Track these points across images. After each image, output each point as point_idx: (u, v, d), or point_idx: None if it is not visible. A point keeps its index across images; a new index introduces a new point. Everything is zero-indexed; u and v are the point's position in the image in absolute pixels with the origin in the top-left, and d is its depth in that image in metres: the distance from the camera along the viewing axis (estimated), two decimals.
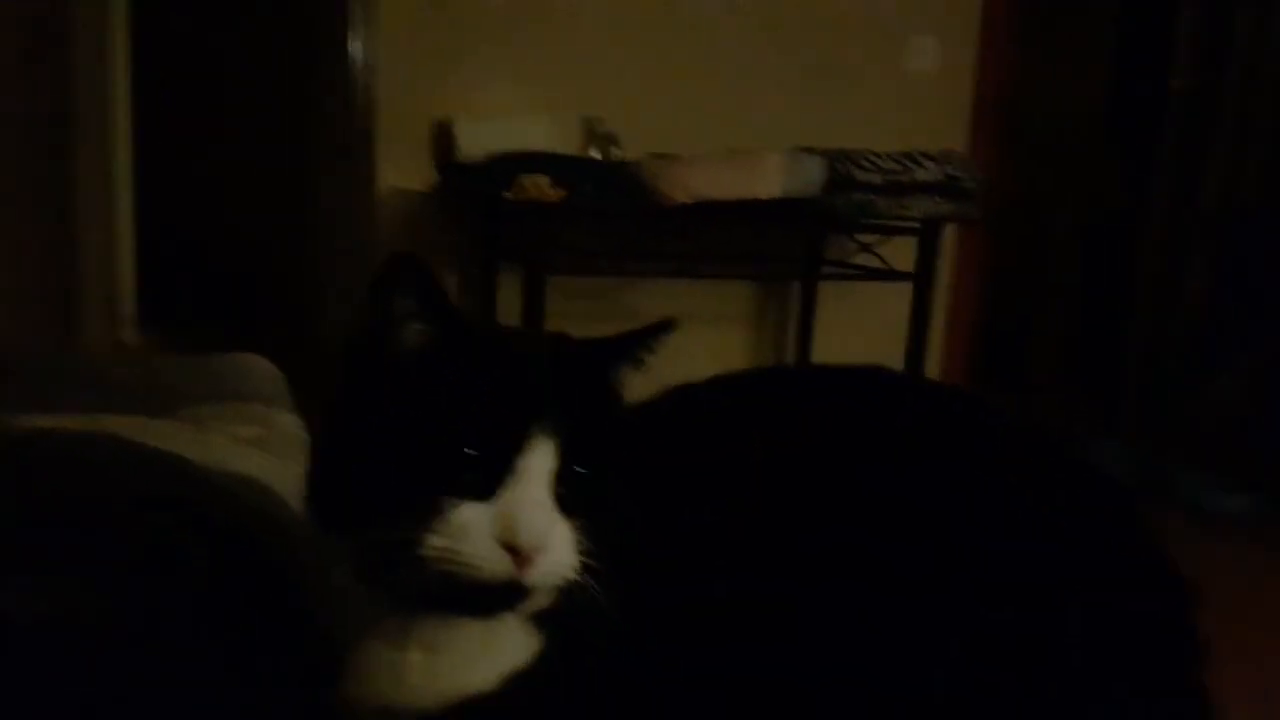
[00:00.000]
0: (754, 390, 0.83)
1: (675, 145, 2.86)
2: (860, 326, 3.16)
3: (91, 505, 0.77)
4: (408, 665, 0.68)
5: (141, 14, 2.83)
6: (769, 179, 2.67)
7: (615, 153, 2.86)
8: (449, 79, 2.87)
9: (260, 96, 3.97)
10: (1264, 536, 2.49)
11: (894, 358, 2.85)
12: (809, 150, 2.79)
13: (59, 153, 2.52)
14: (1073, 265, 4.01)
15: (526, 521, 0.62)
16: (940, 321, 3.36)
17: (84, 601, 0.68)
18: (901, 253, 2.96)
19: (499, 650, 0.68)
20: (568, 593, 0.65)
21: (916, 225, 2.88)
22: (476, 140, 2.71)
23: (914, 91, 3.29)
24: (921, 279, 2.91)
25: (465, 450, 0.62)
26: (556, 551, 0.64)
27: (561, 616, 0.66)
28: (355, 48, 2.86)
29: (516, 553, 0.62)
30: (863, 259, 3.08)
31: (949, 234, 3.14)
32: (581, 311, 2.80)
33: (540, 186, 2.45)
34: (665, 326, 0.71)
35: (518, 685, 0.67)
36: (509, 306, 2.73)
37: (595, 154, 2.86)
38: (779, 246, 3.23)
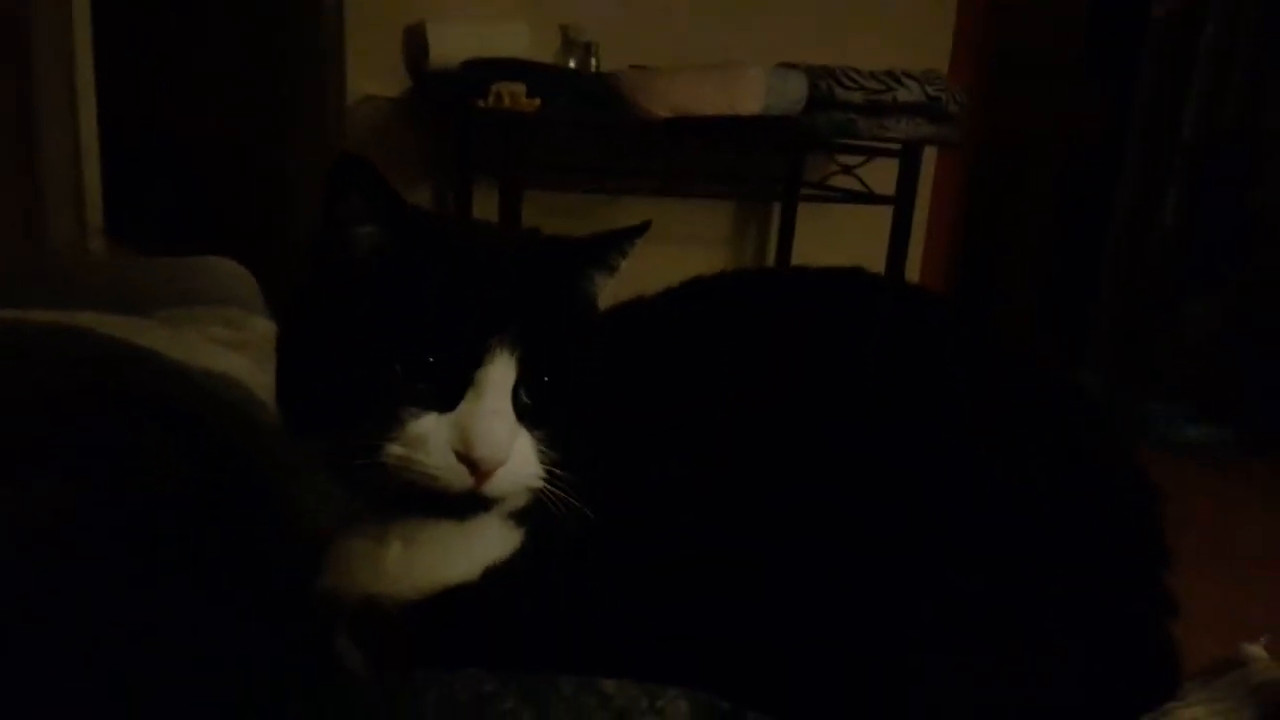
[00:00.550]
0: (731, 300, 0.81)
1: (654, 58, 2.80)
2: (839, 249, 3.14)
3: (59, 399, 0.76)
4: (386, 558, 0.68)
5: None
6: (750, 94, 2.63)
7: (593, 63, 2.80)
8: None
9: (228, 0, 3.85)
10: (1233, 468, 2.53)
11: None
12: (791, 66, 2.75)
13: (19, 59, 2.43)
14: (1050, 192, 4.00)
15: (483, 434, 0.61)
16: (919, 247, 3.36)
17: (52, 496, 0.67)
18: (881, 175, 2.94)
19: (478, 544, 0.68)
20: (541, 496, 0.65)
21: (897, 147, 2.86)
22: (449, 45, 2.63)
23: (897, 7, 3.24)
24: (901, 202, 2.90)
25: (422, 360, 0.61)
26: (517, 463, 0.63)
27: (542, 512, 0.66)
28: None
29: (474, 465, 0.61)
30: (843, 181, 3.06)
31: (928, 157, 3.12)
32: (558, 228, 2.73)
33: (516, 95, 2.40)
34: (639, 230, 0.69)
35: (496, 578, 0.68)
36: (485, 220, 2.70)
37: (572, 64, 2.80)
38: (759, 167, 3.19)
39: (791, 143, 2.99)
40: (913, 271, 3.30)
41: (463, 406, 0.62)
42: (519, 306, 0.63)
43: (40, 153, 2.58)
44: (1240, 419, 2.76)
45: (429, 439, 0.61)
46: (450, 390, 0.62)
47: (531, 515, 0.67)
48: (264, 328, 1.24)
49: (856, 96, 2.74)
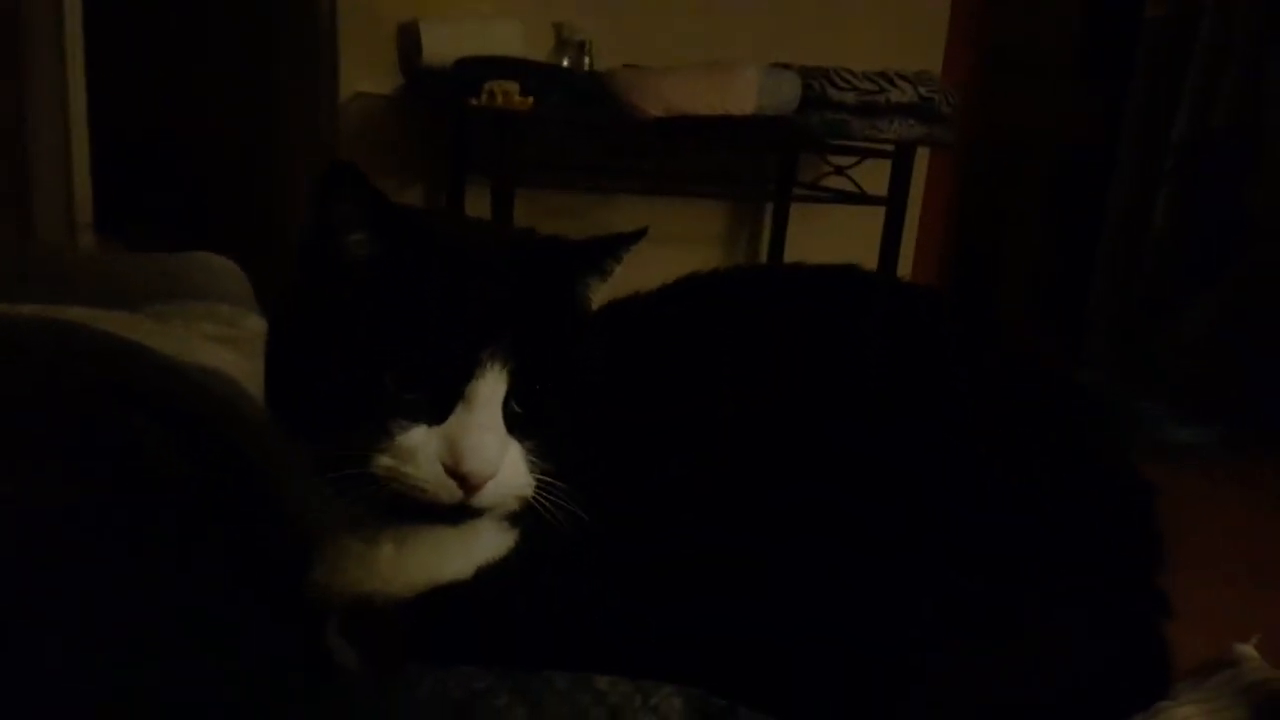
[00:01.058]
0: (728, 297, 0.80)
1: (648, 57, 2.79)
2: (831, 249, 3.12)
3: (61, 396, 0.75)
4: (379, 557, 0.68)
5: None
6: (744, 94, 2.62)
7: (586, 62, 2.80)
8: None
9: None
10: (1224, 468, 2.53)
11: None
12: (784, 66, 2.74)
13: (11, 56, 2.42)
14: (1044, 194, 4.01)
15: (473, 449, 0.60)
16: (911, 247, 3.37)
17: (54, 495, 0.66)
18: (874, 176, 2.95)
19: (471, 545, 0.68)
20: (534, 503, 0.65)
21: (889, 148, 2.86)
22: (442, 43, 2.62)
23: (891, 7, 3.25)
24: (894, 203, 2.90)
25: (413, 373, 0.61)
26: (508, 474, 0.63)
27: (537, 513, 0.66)
28: None
29: (463, 479, 0.61)
30: (835, 181, 3.06)
31: (921, 157, 3.13)
32: (551, 227, 2.70)
33: (509, 94, 2.39)
34: (636, 235, 0.68)
35: (490, 577, 0.67)
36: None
37: (566, 63, 2.79)
38: (752, 167, 3.19)
39: (784, 143, 2.99)
40: (905, 272, 3.30)
41: (453, 419, 0.61)
42: (511, 317, 0.62)
43: (30, 148, 2.57)
44: (1234, 418, 2.77)
45: (418, 452, 0.61)
46: (441, 403, 0.61)
47: (526, 516, 0.67)
48: (255, 324, 1.23)
49: (850, 97, 2.74)
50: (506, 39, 2.66)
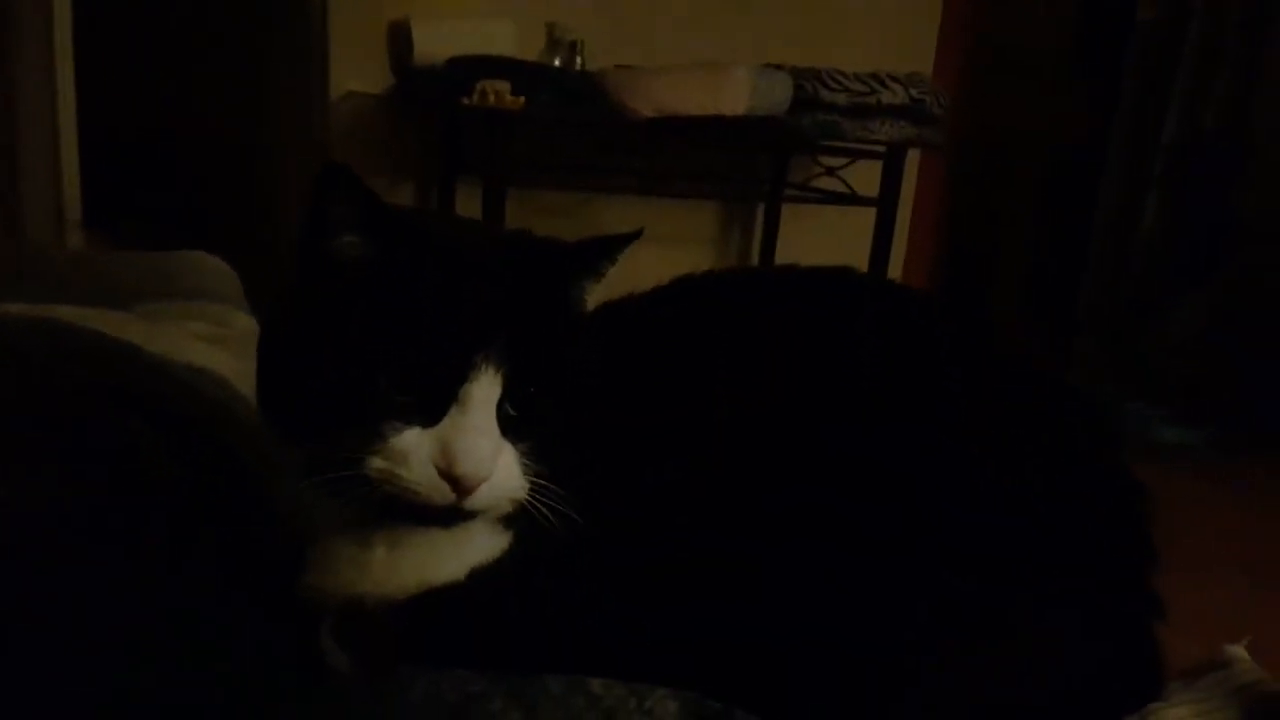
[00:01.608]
0: (722, 299, 0.80)
1: (640, 57, 2.80)
2: (822, 250, 3.14)
3: (55, 398, 0.75)
4: (371, 559, 0.67)
5: None
6: (735, 95, 2.62)
7: (578, 62, 2.79)
8: None
9: None
10: (1213, 469, 2.54)
11: None
12: (776, 67, 2.75)
13: None
14: (1035, 195, 4.02)
15: (466, 452, 0.60)
16: (902, 248, 3.37)
17: (49, 497, 0.66)
18: (865, 177, 2.95)
19: (464, 547, 0.68)
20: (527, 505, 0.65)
21: (881, 149, 2.87)
22: (434, 43, 2.62)
23: (883, 8, 3.25)
24: (885, 204, 2.90)
25: (407, 375, 0.61)
26: (501, 477, 0.63)
27: (531, 515, 0.66)
28: None
29: (456, 482, 0.61)
30: (827, 182, 3.06)
31: (912, 159, 3.13)
32: (542, 227, 2.71)
33: (500, 93, 2.38)
34: (631, 237, 0.68)
35: (483, 579, 0.67)
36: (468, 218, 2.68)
37: (558, 62, 2.79)
38: (743, 167, 3.19)
39: (776, 144, 3.00)
40: (896, 273, 3.31)
41: (446, 422, 0.61)
42: (505, 319, 0.62)
43: (18, 145, 2.55)
44: (1224, 419, 2.78)
45: (411, 455, 0.61)
46: (434, 405, 0.61)
47: (519, 519, 0.67)
48: (246, 324, 1.22)
49: (841, 98, 2.75)
50: (498, 38, 2.66)
